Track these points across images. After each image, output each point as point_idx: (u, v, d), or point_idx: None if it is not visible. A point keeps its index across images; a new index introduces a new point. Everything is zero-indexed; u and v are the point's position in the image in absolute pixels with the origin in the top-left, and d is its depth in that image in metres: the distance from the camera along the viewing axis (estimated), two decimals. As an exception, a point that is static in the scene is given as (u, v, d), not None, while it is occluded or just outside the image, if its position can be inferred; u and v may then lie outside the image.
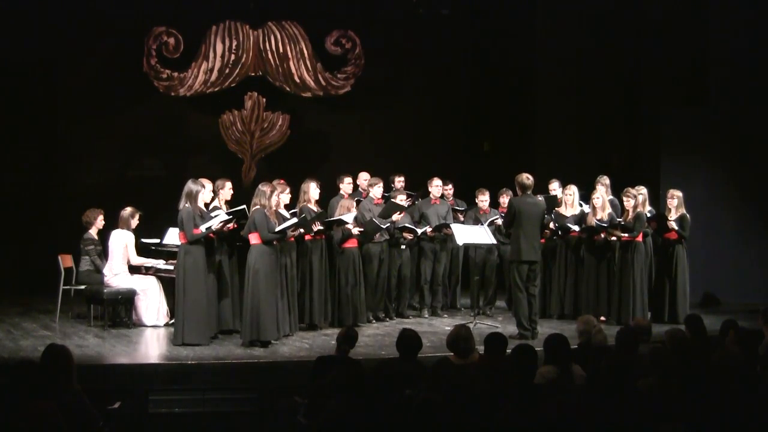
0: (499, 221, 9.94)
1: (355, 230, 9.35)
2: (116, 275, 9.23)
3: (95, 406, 4.96)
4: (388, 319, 10.00)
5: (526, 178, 8.88)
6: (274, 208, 8.39)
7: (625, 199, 9.66)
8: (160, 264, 9.54)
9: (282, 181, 9.17)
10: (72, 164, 13.11)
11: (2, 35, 12.42)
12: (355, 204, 9.52)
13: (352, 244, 9.42)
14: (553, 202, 10.20)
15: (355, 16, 13.56)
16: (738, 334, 6.02)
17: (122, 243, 9.29)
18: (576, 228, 9.92)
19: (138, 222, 9.50)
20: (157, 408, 7.03)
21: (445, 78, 14.05)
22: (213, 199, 8.98)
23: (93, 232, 9.66)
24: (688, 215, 10.00)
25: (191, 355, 7.77)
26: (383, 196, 10.05)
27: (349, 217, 9.21)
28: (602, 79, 12.77)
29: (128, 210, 9.44)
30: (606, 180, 10.09)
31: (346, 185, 9.92)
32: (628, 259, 9.59)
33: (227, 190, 9.09)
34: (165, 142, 13.50)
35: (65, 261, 9.75)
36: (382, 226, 9.52)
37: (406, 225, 9.94)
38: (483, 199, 10.47)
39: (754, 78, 11.86)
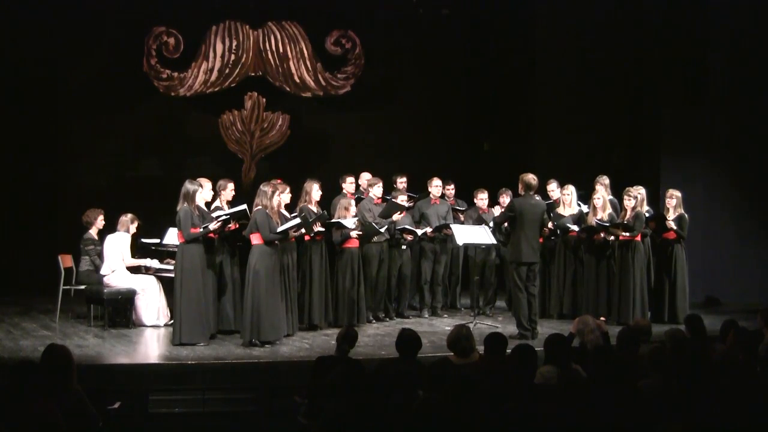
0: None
1: (354, 233, 9.35)
2: (114, 272, 9.24)
3: (95, 406, 4.96)
4: (388, 319, 10.00)
5: (532, 179, 8.86)
6: (276, 209, 8.40)
7: (625, 198, 9.66)
8: (155, 263, 9.57)
9: (279, 181, 9.17)
10: (72, 164, 13.10)
11: (2, 35, 12.43)
12: (353, 203, 9.53)
13: (352, 244, 9.43)
14: (551, 207, 10.21)
15: (355, 16, 13.55)
16: (738, 334, 6.02)
17: (118, 245, 9.32)
18: (575, 228, 9.92)
19: (136, 230, 9.54)
20: (157, 408, 7.04)
21: (445, 78, 14.04)
22: (215, 199, 9.00)
23: (93, 232, 9.67)
24: (686, 215, 10.00)
25: (191, 355, 7.77)
26: (383, 197, 10.05)
27: (349, 223, 9.22)
28: (602, 79, 12.76)
29: (129, 216, 9.53)
30: (605, 180, 10.08)
31: (348, 185, 9.95)
32: (628, 259, 9.59)
33: (229, 191, 9.11)
34: (165, 142, 13.49)
35: (65, 261, 9.76)
36: (380, 230, 9.52)
37: (407, 227, 9.94)
38: (482, 198, 10.47)
39: (754, 78, 11.86)
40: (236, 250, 8.88)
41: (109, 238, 9.39)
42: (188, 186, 8.37)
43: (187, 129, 13.69)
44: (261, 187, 8.45)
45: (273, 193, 8.34)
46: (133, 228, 9.52)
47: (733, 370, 5.03)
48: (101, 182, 12.99)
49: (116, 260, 9.30)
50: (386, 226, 9.66)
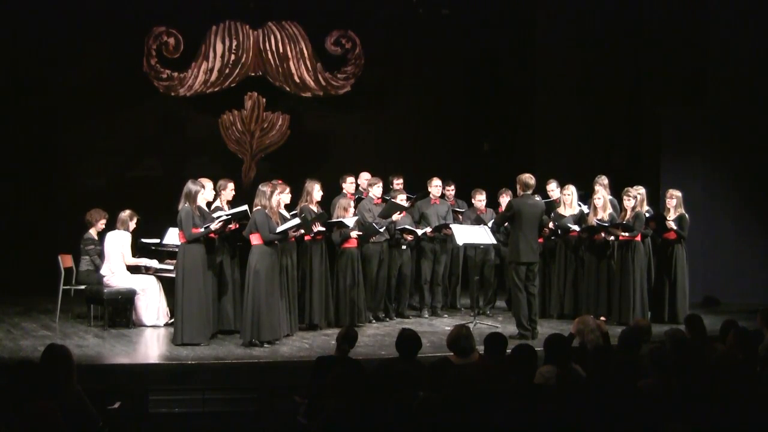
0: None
1: (354, 233, 9.36)
2: (114, 274, 9.24)
3: (95, 406, 4.96)
4: (388, 319, 10.00)
5: (529, 178, 8.90)
6: (275, 208, 8.39)
7: (625, 198, 9.67)
8: (155, 263, 9.56)
9: (280, 181, 9.17)
10: (72, 164, 13.10)
11: (2, 35, 12.43)
12: (353, 204, 9.53)
13: (351, 244, 9.43)
14: (551, 207, 10.21)
15: (355, 16, 13.55)
16: (738, 335, 6.02)
17: (118, 244, 9.30)
18: (576, 228, 9.92)
19: (135, 225, 9.52)
20: (157, 408, 7.03)
21: (444, 78, 14.04)
22: (215, 199, 9.00)
23: (93, 232, 9.67)
24: (686, 215, 10.00)
25: (191, 355, 7.77)
26: (383, 197, 10.05)
27: (350, 221, 9.22)
28: (602, 79, 12.76)
29: (127, 212, 9.47)
30: (604, 180, 10.08)
31: (348, 185, 9.95)
32: (628, 259, 9.60)
33: (229, 191, 9.11)
34: (165, 142, 13.50)
35: (65, 261, 9.76)
36: (380, 229, 9.53)
37: (407, 227, 9.94)
38: (480, 199, 10.46)
39: (754, 78, 11.86)
40: (236, 251, 8.88)
41: (110, 236, 9.37)
42: (191, 186, 8.37)
43: (187, 129, 13.70)
44: (260, 187, 8.45)
45: (272, 192, 8.34)
46: (132, 224, 9.49)
47: (733, 370, 5.03)
48: (101, 182, 13.00)
49: (117, 259, 9.29)
50: (385, 226, 9.66)
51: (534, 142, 13.36)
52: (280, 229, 8.24)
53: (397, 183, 10.50)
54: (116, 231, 9.39)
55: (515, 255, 8.78)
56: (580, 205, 10.20)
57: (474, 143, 14.31)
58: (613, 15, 12.63)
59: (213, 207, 8.94)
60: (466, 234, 9.66)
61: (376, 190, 9.98)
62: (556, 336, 5.56)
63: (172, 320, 8.73)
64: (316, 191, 9.24)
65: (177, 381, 7.31)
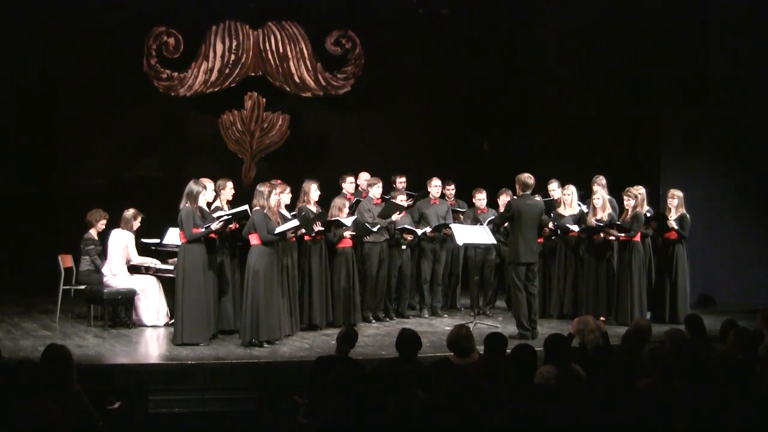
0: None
1: (347, 233, 9.36)
2: (115, 275, 9.23)
3: (95, 406, 4.96)
4: (388, 319, 10.01)
5: (529, 178, 8.89)
6: (275, 208, 8.39)
7: (625, 198, 9.67)
8: (157, 263, 9.55)
9: (279, 181, 9.17)
10: (72, 164, 13.10)
11: (2, 35, 12.43)
12: (347, 203, 9.53)
13: (346, 244, 9.44)
14: (552, 206, 10.21)
15: (355, 16, 13.56)
16: (738, 334, 6.02)
17: (122, 243, 9.29)
18: (575, 228, 9.92)
19: (140, 224, 9.51)
20: (157, 408, 7.04)
21: (444, 78, 14.05)
22: (215, 199, 9.00)
23: (93, 232, 9.66)
24: (687, 215, 10.00)
25: (191, 355, 7.77)
26: (382, 197, 10.05)
27: (348, 221, 9.22)
28: (602, 79, 12.76)
29: (131, 211, 9.45)
30: (602, 180, 10.06)
31: (348, 185, 9.96)
32: (626, 259, 9.60)
33: (229, 190, 9.11)
34: (165, 142, 13.50)
35: (65, 261, 9.76)
36: (373, 229, 9.52)
37: (406, 226, 9.94)
38: (480, 198, 10.46)
39: (754, 78, 11.86)
40: (236, 251, 8.88)
41: (114, 234, 9.33)
42: (193, 186, 8.37)
43: (187, 129, 13.70)
44: (257, 187, 8.44)
45: (270, 192, 8.32)
46: (136, 223, 9.46)
47: (733, 370, 5.03)
48: (101, 182, 12.99)
49: (119, 258, 9.27)
50: (379, 225, 9.65)
51: (534, 142, 13.36)
52: (278, 230, 8.24)
53: (400, 182, 10.49)
54: (120, 230, 9.38)
55: (515, 256, 8.78)
56: (580, 205, 10.20)
57: (474, 143, 14.31)
58: (613, 15, 12.62)
59: (213, 207, 8.94)
60: (466, 234, 9.66)
61: (376, 191, 9.97)
62: (556, 336, 5.57)
63: (172, 320, 8.73)
64: (313, 191, 9.24)
65: (177, 381, 7.31)
